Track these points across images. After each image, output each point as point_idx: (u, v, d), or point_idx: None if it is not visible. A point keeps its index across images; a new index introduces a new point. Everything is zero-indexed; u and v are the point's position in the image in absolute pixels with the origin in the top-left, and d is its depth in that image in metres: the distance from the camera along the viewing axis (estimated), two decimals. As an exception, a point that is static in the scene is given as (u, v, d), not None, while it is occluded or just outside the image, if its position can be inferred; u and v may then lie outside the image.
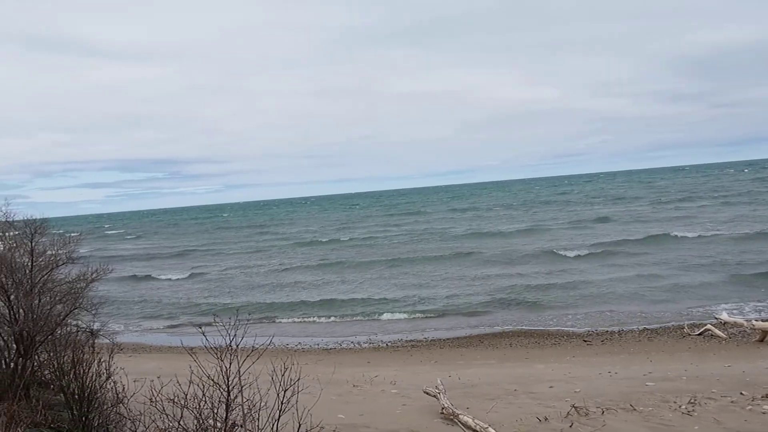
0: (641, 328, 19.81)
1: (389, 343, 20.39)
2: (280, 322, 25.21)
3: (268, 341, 7.33)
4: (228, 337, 6.26)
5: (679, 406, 9.41)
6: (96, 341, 8.30)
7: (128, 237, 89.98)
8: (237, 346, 6.25)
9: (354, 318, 24.84)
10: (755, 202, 60.11)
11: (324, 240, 57.44)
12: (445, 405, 9.96)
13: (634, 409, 9.40)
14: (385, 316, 24.47)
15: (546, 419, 9.18)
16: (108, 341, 8.76)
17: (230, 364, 6.15)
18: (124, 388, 7.48)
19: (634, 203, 73.11)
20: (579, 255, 34.67)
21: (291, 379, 6.26)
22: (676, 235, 38.79)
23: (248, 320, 6.80)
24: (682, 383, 11.29)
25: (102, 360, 7.57)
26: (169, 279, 39.19)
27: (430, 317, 23.95)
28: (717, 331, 17.68)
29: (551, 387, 11.68)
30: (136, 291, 35.42)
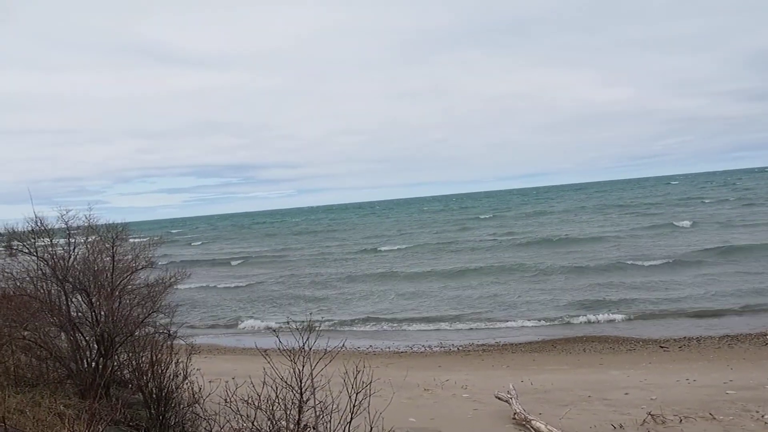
0: (721, 334, 19.16)
1: (461, 347, 20.29)
2: (350, 329, 25.36)
3: (341, 344, 7.40)
4: (301, 340, 6.35)
5: (762, 416, 9.08)
6: (173, 342, 8.52)
7: (195, 243, 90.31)
8: (310, 348, 6.34)
9: (424, 325, 24.76)
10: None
11: (389, 248, 56.34)
12: (518, 410, 9.87)
13: (714, 418, 9.12)
14: (457, 325, 24.34)
15: (621, 427, 9.01)
16: (184, 342, 8.98)
17: (303, 366, 6.24)
18: (199, 389, 7.68)
19: (721, 206, 70.56)
20: (654, 264, 33.50)
21: (363, 382, 6.31)
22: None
23: (320, 323, 6.89)
24: (765, 392, 10.89)
25: (179, 361, 7.79)
26: (227, 287, 39.70)
27: (501, 324, 23.68)
28: (803, 339, 16.96)
29: (626, 394, 11.42)
30: (199, 295, 36.20)
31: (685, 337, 19.14)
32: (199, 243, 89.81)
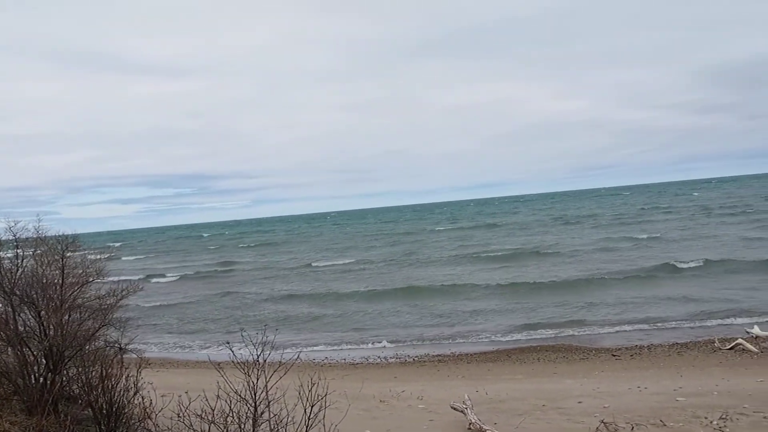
0: (671, 342, 19.56)
1: (416, 358, 20.32)
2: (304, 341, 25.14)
3: (296, 356, 7.35)
4: (255, 353, 6.29)
5: (711, 422, 9.27)
6: (124, 356, 8.36)
7: (131, 257, 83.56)
8: (264, 360, 6.28)
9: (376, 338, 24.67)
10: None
11: (332, 263, 53.84)
12: (473, 420, 9.91)
13: (664, 425, 9.28)
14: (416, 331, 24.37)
15: (575, 435, 9.09)
16: (136, 356, 8.82)
17: (257, 379, 6.17)
18: (151, 403, 7.54)
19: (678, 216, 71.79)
20: (611, 277, 33.87)
21: (318, 395, 6.27)
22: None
23: (275, 335, 6.82)
24: (713, 398, 11.12)
25: (130, 375, 7.64)
26: (154, 305, 36.05)
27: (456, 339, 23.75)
28: (748, 346, 17.40)
29: (580, 402, 11.56)
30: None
31: (636, 346, 19.48)
32: (132, 258, 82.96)
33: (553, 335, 22.13)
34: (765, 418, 9.16)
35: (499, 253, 48.30)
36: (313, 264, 53.88)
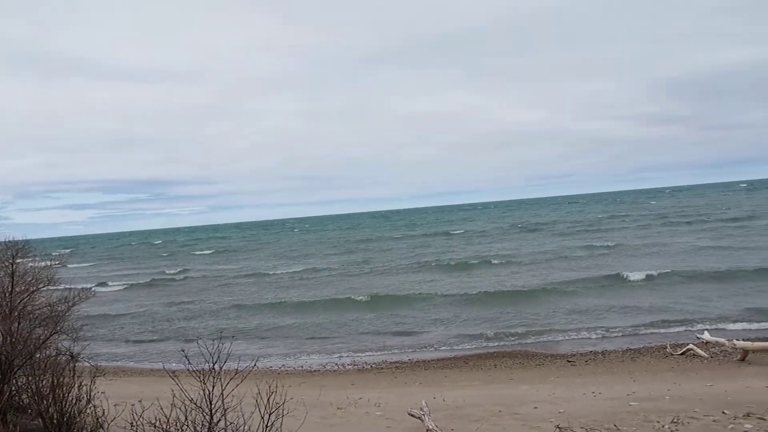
0: (625, 348, 19.88)
1: (374, 365, 20.31)
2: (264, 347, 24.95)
3: (253, 364, 7.29)
4: (211, 360, 6.22)
5: (662, 426, 9.43)
6: (76, 364, 8.19)
7: (75, 264, 74.56)
8: (221, 368, 6.21)
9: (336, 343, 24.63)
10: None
11: (290, 270, 53.35)
12: (430, 427, 9.92)
13: (618, 429, 9.42)
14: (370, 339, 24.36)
15: (530, 440, 9.17)
16: (89, 364, 8.65)
17: (213, 387, 6.10)
18: (104, 413, 7.40)
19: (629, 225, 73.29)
20: (567, 287, 34.46)
21: (276, 402, 6.22)
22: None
23: (231, 342, 6.75)
24: (665, 403, 11.32)
25: (82, 384, 7.48)
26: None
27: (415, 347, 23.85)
28: (699, 351, 17.78)
29: (536, 408, 11.67)
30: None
31: (591, 352, 19.75)
32: (82, 265, 77.60)
33: (510, 342, 22.30)
34: (714, 421, 9.36)
35: (457, 261, 48.50)
36: (269, 272, 53.20)
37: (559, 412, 11.00)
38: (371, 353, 22.25)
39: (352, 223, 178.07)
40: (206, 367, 6.20)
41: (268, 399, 6.17)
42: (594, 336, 22.15)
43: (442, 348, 22.24)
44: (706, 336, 18.80)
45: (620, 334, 22.15)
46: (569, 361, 18.71)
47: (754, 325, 21.57)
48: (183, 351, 7.08)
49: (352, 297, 34.17)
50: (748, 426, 8.85)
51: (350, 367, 20.39)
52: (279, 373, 19.08)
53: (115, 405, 7.82)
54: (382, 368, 19.79)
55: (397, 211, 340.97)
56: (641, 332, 22.13)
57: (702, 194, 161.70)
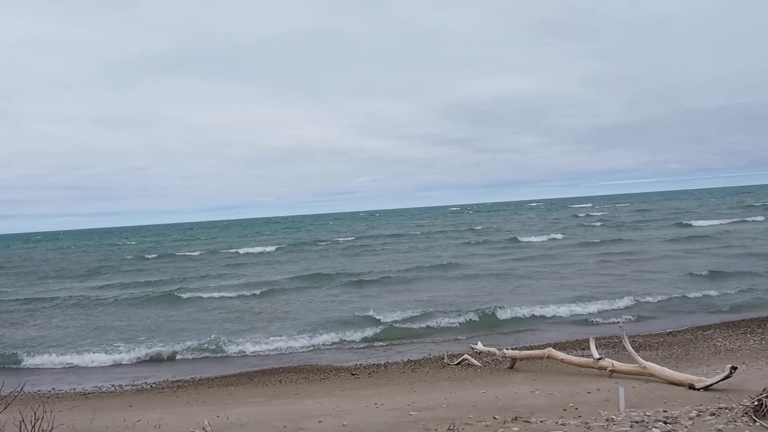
0: (406, 359, 20.62)
1: (154, 385, 19.38)
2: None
3: (19, 388, 6.63)
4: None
5: (440, 434, 9.82)
6: None
7: None
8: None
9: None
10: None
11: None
12: (212, 447, 9.61)
13: (399, 439, 9.67)
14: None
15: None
16: None
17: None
18: None
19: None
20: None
21: (42, 430, 5.71)
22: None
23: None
24: (442, 411, 11.82)
25: None
26: None
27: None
28: (473, 361, 18.89)
29: (320, 422, 11.70)
30: None
31: (374, 364, 20.26)
32: None
33: (297, 357, 22.33)
34: (486, 426, 9.91)
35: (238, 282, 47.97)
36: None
37: (343, 425, 11.11)
38: (153, 372, 21.29)
39: (130, 235, 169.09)
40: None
41: (33, 426, 5.64)
42: (377, 347, 22.82)
43: (229, 364, 21.78)
44: (480, 346, 20.00)
45: (401, 343, 23.16)
46: (353, 374, 19.04)
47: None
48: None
49: (103, 320, 32.58)
50: (515, 429, 9.46)
51: (128, 387, 19.30)
52: (48, 398, 17.61)
53: None
54: (162, 388, 18.93)
55: (182, 224, 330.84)
56: (419, 341, 23.34)
57: (468, 213, 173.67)
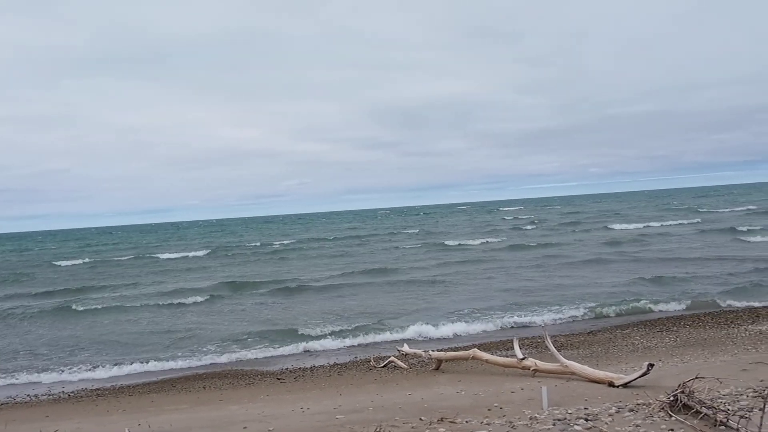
0: (332, 363, 20.54)
1: (72, 394, 18.73)
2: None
3: None
4: None
5: (367, 436, 9.80)
6: None
7: None
8: None
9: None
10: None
11: None
12: (132, 456, 9.34)
13: (325, 443, 9.60)
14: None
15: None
16: None
17: None
18: None
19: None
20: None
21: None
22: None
23: None
24: (369, 414, 11.81)
25: None
26: None
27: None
28: (399, 363, 18.95)
29: (245, 428, 11.52)
30: None
31: (300, 368, 20.10)
32: None
33: (220, 362, 21.96)
34: (413, 428, 9.94)
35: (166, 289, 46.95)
36: None
37: (269, 430, 10.98)
38: (72, 380, 20.58)
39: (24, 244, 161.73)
40: None
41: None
42: (301, 352, 22.64)
43: (151, 371, 21.25)
44: (405, 348, 20.08)
45: (327, 348, 23.01)
46: (279, 379, 18.85)
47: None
48: None
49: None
50: (441, 430, 9.53)
51: (45, 397, 18.59)
52: (-46, 410, 16.81)
53: None
54: (81, 397, 18.31)
55: (105, 228, 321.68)
56: (347, 344, 23.25)
57: (401, 216, 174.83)
